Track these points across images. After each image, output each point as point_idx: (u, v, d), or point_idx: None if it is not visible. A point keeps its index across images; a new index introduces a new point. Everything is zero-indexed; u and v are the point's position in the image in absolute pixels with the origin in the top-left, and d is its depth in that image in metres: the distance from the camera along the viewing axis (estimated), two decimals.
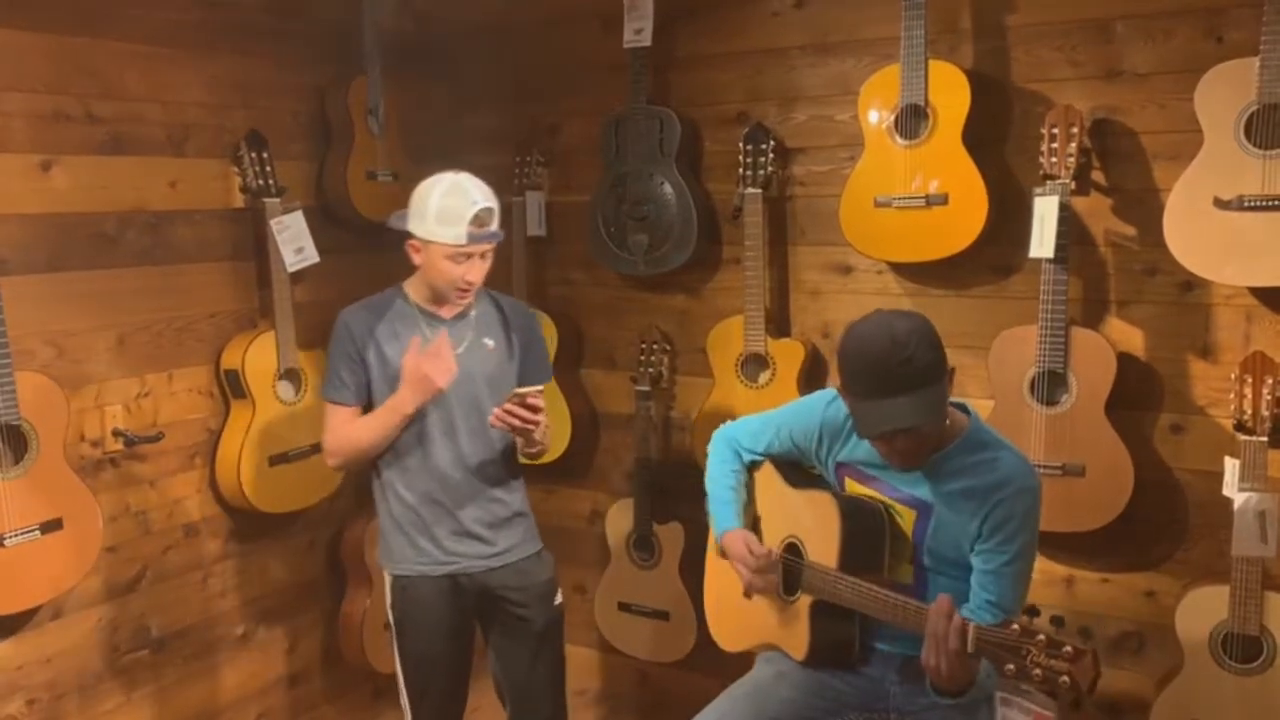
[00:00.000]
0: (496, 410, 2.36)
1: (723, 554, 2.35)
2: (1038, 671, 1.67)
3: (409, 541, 2.49)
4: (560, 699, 2.66)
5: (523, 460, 2.61)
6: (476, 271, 2.41)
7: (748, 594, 2.32)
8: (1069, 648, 1.65)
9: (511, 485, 2.58)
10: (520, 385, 2.47)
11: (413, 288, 2.52)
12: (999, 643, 1.73)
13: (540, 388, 2.39)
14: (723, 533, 2.34)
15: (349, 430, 2.47)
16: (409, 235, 2.43)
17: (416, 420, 2.44)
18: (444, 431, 2.47)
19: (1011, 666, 1.71)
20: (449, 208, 2.35)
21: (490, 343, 2.53)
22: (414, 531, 2.49)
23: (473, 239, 2.36)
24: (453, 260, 2.37)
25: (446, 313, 2.50)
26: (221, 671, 3.06)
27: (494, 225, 2.40)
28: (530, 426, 2.36)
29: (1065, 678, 1.65)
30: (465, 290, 2.43)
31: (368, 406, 2.48)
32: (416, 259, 2.43)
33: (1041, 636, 1.68)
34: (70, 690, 2.69)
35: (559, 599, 2.62)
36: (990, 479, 2.04)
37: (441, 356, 2.37)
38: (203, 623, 3.00)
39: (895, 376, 1.90)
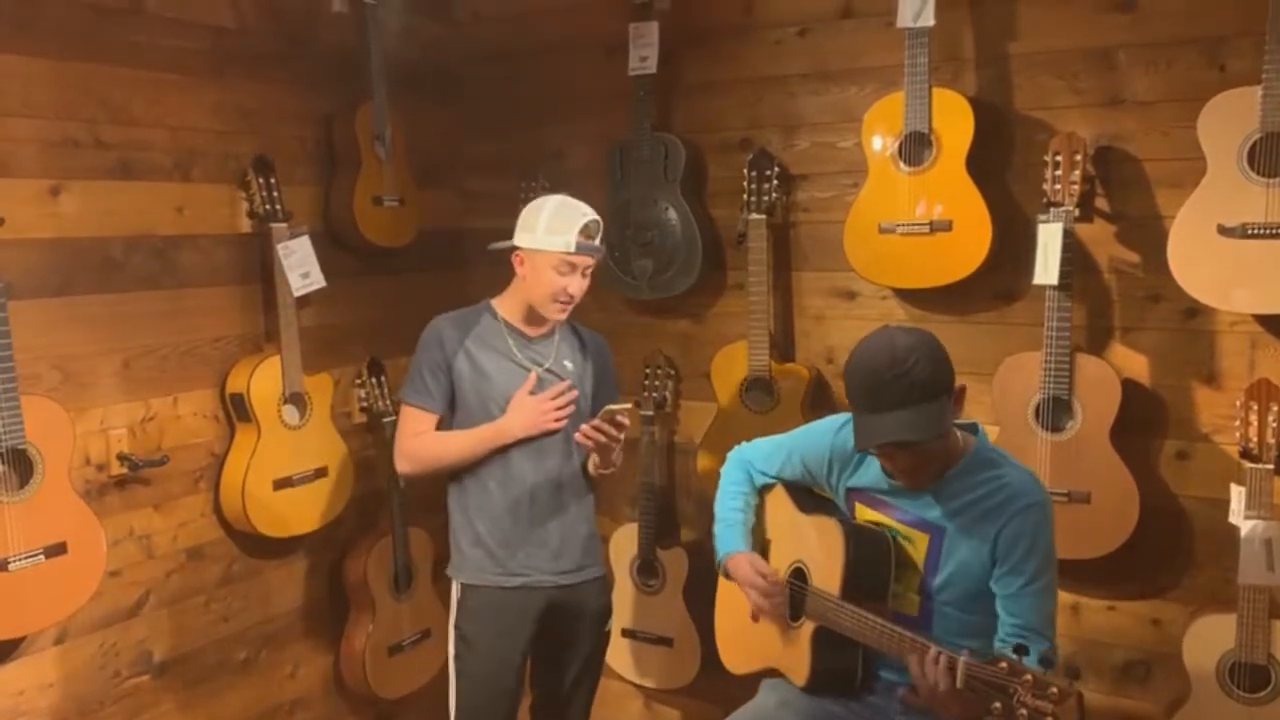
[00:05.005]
0: (584, 427, 2.45)
1: (726, 575, 2.35)
2: (1023, 711, 1.66)
3: (487, 553, 2.54)
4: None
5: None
6: (578, 285, 2.51)
7: (755, 617, 2.31)
8: (1054, 689, 1.64)
9: (588, 503, 2.66)
10: (595, 409, 2.58)
11: (503, 305, 2.60)
12: (986, 680, 1.72)
13: (629, 405, 2.50)
14: (726, 555, 2.34)
15: (433, 441, 2.55)
16: (509, 253, 2.54)
17: None
18: (528, 447, 2.53)
19: (998, 705, 1.70)
20: (559, 219, 2.48)
21: (569, 365, 2.62)
22: (493, 543, 2.54)
23: (580, 249, 2.47)
24: (557, 270, 2.47)
25: (533, 332, 2.59)
26: (224, 697, 3.04)
27: (599, 240, 2.52)
28: (614, 444, 2.47)
29: (1050, 719, 1.64)
30: (566, 303, 2.51)
31: (445, 416, 2.57)
32: (521, 271, 2.53)
33: (1029, 676, 1.66)
34: (71, 715, 2.67)
35: (609, 625, 2.70)
36: (997, 498, 2.03)
37: (562, 400, 2.51)
38: (205, 648, 2.99)
39: (890, 390, 1.92)
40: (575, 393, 2.56)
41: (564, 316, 2.55)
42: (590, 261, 2.52)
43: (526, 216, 2.53)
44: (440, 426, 2.58)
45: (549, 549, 2.56)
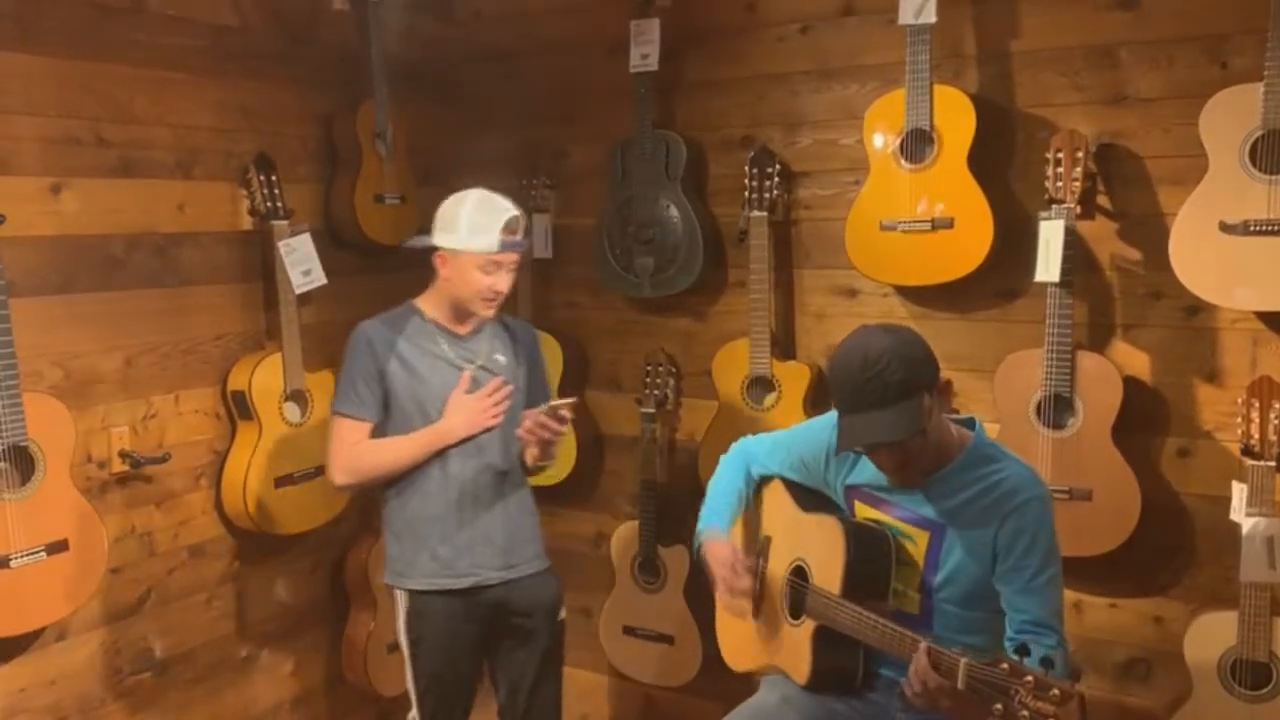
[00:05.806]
0: (527, 422, 2.43)
1: (699, 554, 2.33)
2: (1024, 713, 1.65)
3: (430, 555, 2.50)
4: (560, 715, 2.70)
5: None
6: (505, 281, 2.47)
7: (728, 599, 2.30)
8: (1056, 690, 1.63)
9: (527, 495, 2.64)
10: (526, 403, 2.56)
11: (428, 304, 2.56)
12: (988, 681, 1.72)
13: (574, 400, 2.48)
14: (707, 531, 2.32)
15: (370, 450, 2.49)
16: (429, 251, 2.49)
17: None
18: (465, 445, 2.50)
19: (999, 706, 1.69)
20: (482, 215, 2.43)
21: (502, 359, 2.59)
22: (436, 543, 2.50)
23: (504, 246, 2.43)
24: (483, 270, 2.44)
25: (463, 329, 2.55)
26: (225, 694, 3.05)
27: (521, 234, 2.48)
28: (556, 438, 2.44)
29: None
30: (492, 300, 2.48)
31: (379, 423, 2.51)
32: (444, 272, 2.48)
33: (1030, 678, 1.65)
34: (73, 713, 2.68)
35: (563, 614, 2.66)
36: (995, 493, 2.03)
37: (497, 396, 2.48)
38: (206, 645, 3.00)
39: (865, 393, 1.94)
40: (510, 387, 2.53)
41: (493, 312, 2.52)
42: (515, 257, 2.47)
43: (445, 215, 2.46)
44: (374, 434, 2.51)
45: (495, 545, 2.53)
